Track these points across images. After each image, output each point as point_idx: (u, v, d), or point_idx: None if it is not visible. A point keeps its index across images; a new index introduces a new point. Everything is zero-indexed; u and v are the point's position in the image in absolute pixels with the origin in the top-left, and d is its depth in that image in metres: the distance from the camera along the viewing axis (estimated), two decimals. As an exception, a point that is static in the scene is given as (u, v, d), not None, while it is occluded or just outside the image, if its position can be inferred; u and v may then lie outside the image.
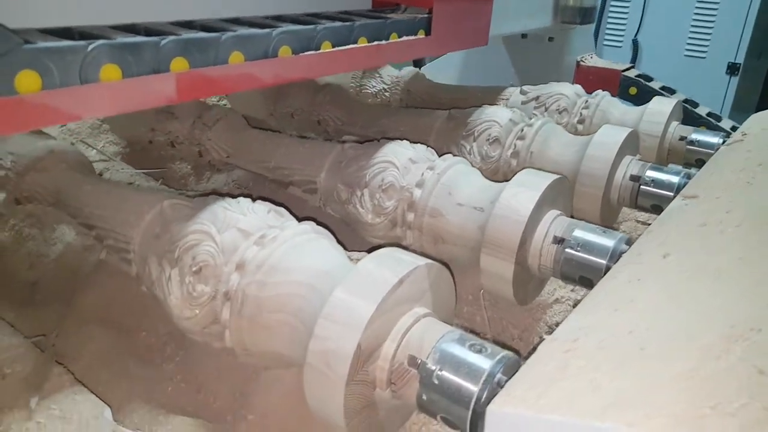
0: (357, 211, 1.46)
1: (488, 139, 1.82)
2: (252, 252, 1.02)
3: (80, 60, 0.84)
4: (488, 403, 0.82)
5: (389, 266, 0.92)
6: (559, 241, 1.28)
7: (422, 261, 0.94)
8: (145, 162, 2.07)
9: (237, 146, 1.79)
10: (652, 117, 2.07)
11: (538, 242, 1.30)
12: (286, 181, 1.65)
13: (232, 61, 1.03)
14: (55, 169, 1.45)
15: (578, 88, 2.33)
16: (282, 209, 1.15)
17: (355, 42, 1.30)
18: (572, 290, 1.63)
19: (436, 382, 0.86)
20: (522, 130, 1.82)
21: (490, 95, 2.35)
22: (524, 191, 1.28)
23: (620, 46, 4.00)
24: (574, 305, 1.59)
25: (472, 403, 0.83)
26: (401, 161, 1.45)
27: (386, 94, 2.67)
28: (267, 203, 1.15)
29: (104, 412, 1.06)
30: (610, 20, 3.95)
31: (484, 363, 0.85)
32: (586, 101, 2.25)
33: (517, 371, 0.80)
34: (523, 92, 2.35)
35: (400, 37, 1.42)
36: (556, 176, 1.34)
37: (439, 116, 2.00)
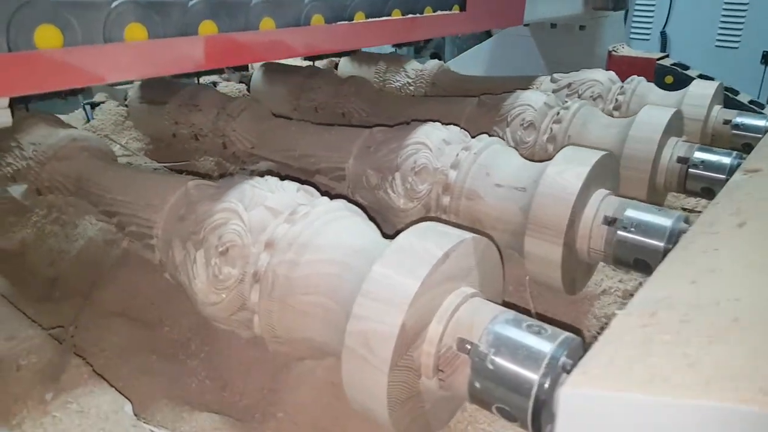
0: (388, 197, 1.38)
1: (522, 124, 1.74)
2: (282, 230, 0.95)
3: (104, 17, 0.77)
4: (552, 390, 0.73)
5: (433, 239, 0.83)
6: (611, 221, 1.19)
7: (468, 234, 0.86)
8: (169, 157, 2.01)
9: (262, 136, 1.72)
10: (694, 100, 1.97)
11: (587, 223, 1.20)
12: (312, 169, 1.58)
13: (262, 28, 0.96)
14: (77, 157, 1.39)
15: (612, 74, 2.24)
16: (311, 188, 1.07)
17: (389, 14, 1.23)
18: (620, 281, 1.53)
19: (491, 367, 0.77)
20: (558, 113, 1.73)
21: (520, 84, 2.25)
22: (571, 167, 1.19)
23: (648, 39, 3.89)
24: (624, 297, 1.49)
25: (534, 391, 0.74)
26: (434, 142, 1.37)
27: (410, 88, 2.59)
28: (295, 182, 1.07)
29: (124, 407, 0.99)
30: (636, 13, 3.84)
31: (544, 345, 0.76)
32: (622, 87, 2.15)
33: (582, 354, 0.71)
34: (554, 80, 2.27)
35: (434, 11, 1.35)
36: (603, 152, 1.25)
37: (470, 103, 1.91)
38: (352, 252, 0.90)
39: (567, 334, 0.79)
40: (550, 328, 0.80)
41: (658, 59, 2.63)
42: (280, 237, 0.94)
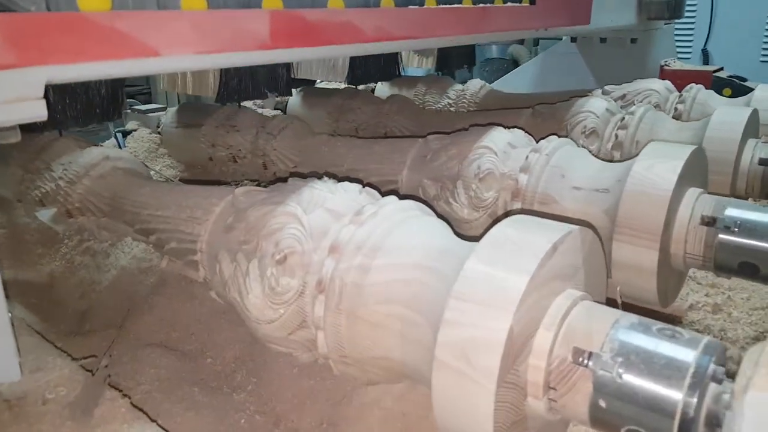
0: (450, 207, 1.26)
1: (584, 132, 1.61)
2: (348, 232, 0.82)
3: (160, -21, 0.67)
4: (701, 405, 0.59)
5: (536, 230, 0.70)
6: (710, 221, 1.04)
7: (573, 225, 0.72)
8: (205, 182, 1.92)
9: (305, 153, 1.61)
10: (762, 104, 1.82)
11: (682, 225, 1.06)
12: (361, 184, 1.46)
13: (330, 6, 0.86)
14: (111, 176, 1.29)
15: (668, 83, 2.11)
16: (373, 190, 0.95)
17: (460, 2, 1.13)
18: (706, 295, 1.37)
19: (620, 382, 0.62)
20: (623, 119, 1.60)
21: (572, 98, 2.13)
22: (663, 161, 1.05)
23: (689, 57, 3.77)
24: (714, 311, 1.33)
25: (679, 409, 0.59)
26: (499, 145, 1.24)
27: (452, 109, 2.49)
28: (355, 183, 0.95)
29: (169, 444, 0.85)
30: (677, 31, 3.74)
31: (686, 353, 0.62)
32: (680, 95, 2.02)
33: (724, 361, 0.57)
34: (605, 92, 2.14)
35: (505, 2, 1.25)
36: (692, 146, 1.11)
37: (523, 114, 1.79)
38: (434, 253, 0.77)
39: (708, 337, 0.64)
40: (686, 332, 0.65)
41: (714, 72, 2.49)
42: (346, 240, 0.81)
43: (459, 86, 2.53)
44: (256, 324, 0.87)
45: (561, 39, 3.20)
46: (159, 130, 2.07)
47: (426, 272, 0.75)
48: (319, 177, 0.93)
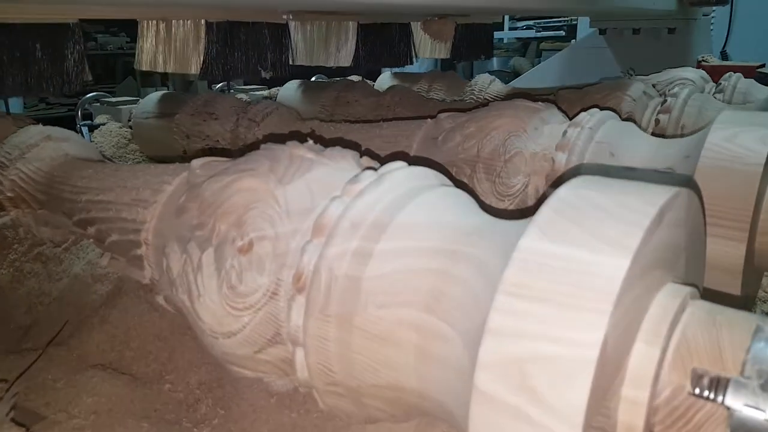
0: (468, 197, 1.01)
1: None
2: (340, 204, 0.58)
3: None
4: None
5: (624, 190, 0.46)
6: (810, 207, 0.80)
7: (675, 187, 0.48)
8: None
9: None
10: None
11: (770, 211, 0.82)
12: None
13: None
14: (52, 159, 1.04)
15: (702, 72, 1.89)
16: (375, 161, 0.71)
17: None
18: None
19: (779, 424, 0.38)
20: (664, 101, 1.37)
21: (597, 89, 1.91)
22: (747, 130, 0.82)
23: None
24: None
25: None
26: (528, 120, 1.01)
27: (459, 105, 2.26)
28: (352, 150, 0.71)
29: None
30: (694, 33, 3.54)
31: None
32: (719, 84, 1.80)
33: None
34: (633, 82, 1.91)
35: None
36: (779, 114, 0.88)
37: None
38: (465, 233, 0.53)
39: None
40: None
41: (758, 67, 2.27)
42: (337, 216, 0.57)
43: (465, 81, 2.31)
44: (212, 338, 0.62)
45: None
46: (130, 123, 1.83)
47: (455, 259, 0.51)
48: (304, 139, 0.69)
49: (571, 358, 0.38)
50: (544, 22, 4.13)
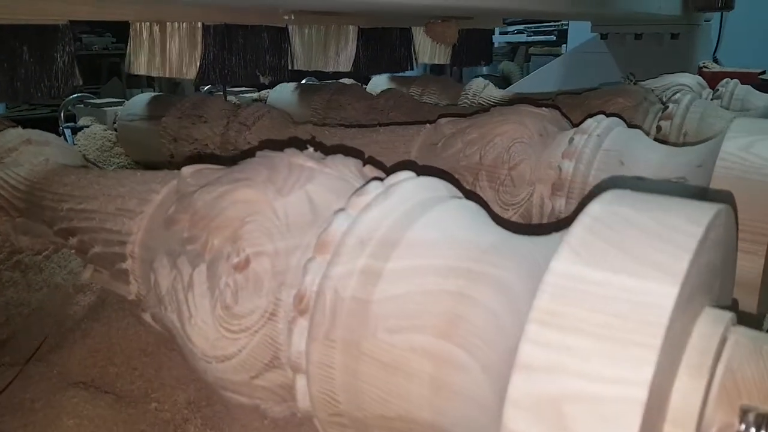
0: (470, 206, 0.97)
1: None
2: (346, 219, 0.53)
3: None
4: None
5: (665, 208, 0.42)
6: (831, 219, 0.77)
7: (714, 204, 0.44)
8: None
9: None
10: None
11: (792, 223, 0.79)
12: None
13: None
14: (32, 164, 0.99)
15: (699, 78, 1.87)
16: (379, 170, 0.67)
17: None
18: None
19: None
20: (666, 108, 1.34)
21: (594, 94, 1.88)
22: (763, 139, 0.78)
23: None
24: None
25: None
26: (532, 127, 0.97)
27: (452, 110, 2.22)
28: (354, 158, 0.66)
29: None
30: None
31: None
32: (716, 91, 1.77)
33: None
34: (630, 89, 1.89)
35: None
36: (798, 122, 0.84)
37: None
38: (477, 252, 0.48)
39: None
40: None
41: (760, 74, 2.25)
42: (342, 231, 0.52)
43: (459, 86, 2.27)
44: (205, 362, 0.57)
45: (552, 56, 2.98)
46: (115, 126, 1.77)
47: (472, 280, 0.46)
48: (303, 146, 0.65)
49: (616, 398, 0.34)
50: (535, 27, 4.11)
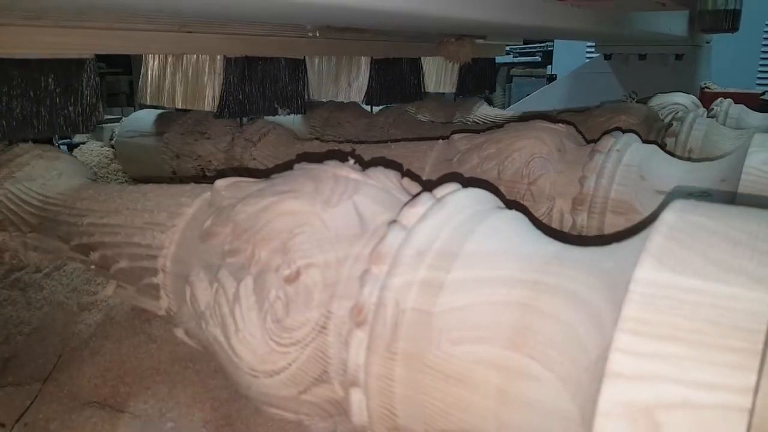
0: (488, 222, 0.97)
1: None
2: (401, 230, 0.53)
3: None
4: None
5: (738, 216, 0.42)
6: None
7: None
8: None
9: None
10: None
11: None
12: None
13: None
14: (44, 179, 0.97)
15: (693, 97, 1.90)
16: (416, 183, 0.66)
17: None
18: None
19: None
20: (670, 125, 1.37)
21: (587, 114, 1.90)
22: (789, 154, 0.80)
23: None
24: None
25: None
26: (550, 142, 0.98)
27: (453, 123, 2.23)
28: (393, 170, 0.66)
29: None
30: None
31: None
32: (711, 110, 1.81)
33: None
34: (624, 108, 1.91)
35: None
36: (817, 138, 0.86)
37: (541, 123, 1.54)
38: (540, 263, 0.48)
39: None
40: None
41: (761, 95, 2.30)
42: (399, 243, 0.52)
43: (453, 105, 2.29)
44: (251, 376, 0.56)
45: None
46: (112, 142, 1.75)
47: (538, 291, 0.46)
48: (344, 158, 0.64)
49: (717, 405, 0.33)
50: (520, 48, 4.16)
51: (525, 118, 1.94)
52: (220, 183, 0.68)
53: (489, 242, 0.51)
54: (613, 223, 0.89)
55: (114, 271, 0.77)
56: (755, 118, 1.75)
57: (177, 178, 1.51)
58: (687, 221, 0.41)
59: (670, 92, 1.87)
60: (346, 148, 1.27)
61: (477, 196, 0.57)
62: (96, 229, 0.80)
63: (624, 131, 1.02)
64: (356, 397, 0.51)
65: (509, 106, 4.28)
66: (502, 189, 0.97)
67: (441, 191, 0.57)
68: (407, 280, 0.50)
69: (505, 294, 0.47)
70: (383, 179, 0.62)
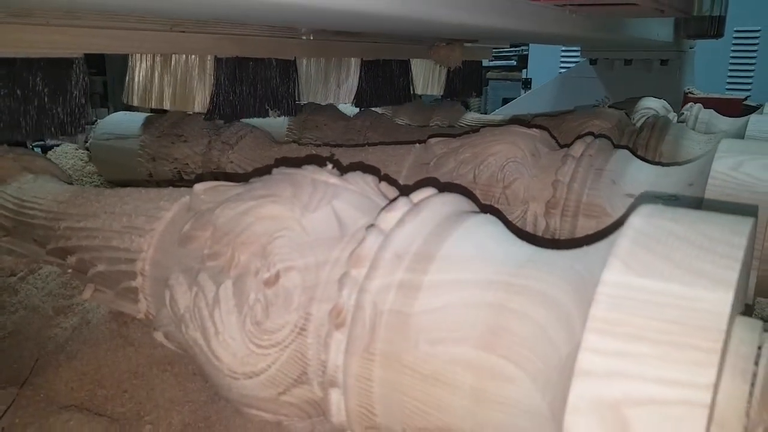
0: (464, 224, 0.99)
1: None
2: (379, 234, 0.54)
3: None
4: None
5: (704, 220, 0.44)
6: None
7: (743, 217, 0.47)
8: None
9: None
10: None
11: None
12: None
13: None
14: (19, 182, 0.96)
15: (664, 102, 1.95)
16: (393, 187, 0.68)
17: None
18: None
19: None
20: (641, 130, 1.40)
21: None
22: (751, 159, 0.83)
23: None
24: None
25: None
26: (524, 146, 1.00)
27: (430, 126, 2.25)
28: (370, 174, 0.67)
29: None
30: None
31: None
32: (681, 114, 1.85)
33: None
34: (598, 112, 1.95)
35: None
36: (776, 143, 0.89)
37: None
38: (513, 266, 0.50)
39: None
40: None
41: (743, 100, 2.34)
42: (377, 246, 0.53)
43: (429, 108, 2.31)
44: (231, 378, 0.57)
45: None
46: (87, 145, 1.74)
47: (511, 292, 0.48)
48: (322, 163, 0.65)
49: (679, 401, 0.35)
50: (497, 51, 4.20)
51: (501, 124, 1.96)
52: (199, 187, 0.69)
53: (464, 246, 0.52)
54: (585, 226, 0.91)
55: (92, 274, 0.77)
56: (724, 122, 1.79)
57: (153, 181, 1.51)
58: (653, 226, 0.43)
59: (641, 97, 1.91)
60: (324, 152, 1.27)
61: (453, 200, 0.59)
62: (73, 233, 0.80)
63: (596, 136, 1.04)
64: (335, 397, 0.52)
65: (485, 108, 4.32)
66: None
67: (418, 196, 0.58)
68: (385, 283, 0.51)
69: (479, 296, 0.49)
70: (362, 184, 0.63)
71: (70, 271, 0.84)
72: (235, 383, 0.57)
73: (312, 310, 0.55)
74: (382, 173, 1.13)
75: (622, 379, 0.37)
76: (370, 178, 0.65)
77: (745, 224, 0.42)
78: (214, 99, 1.23)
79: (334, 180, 0.61)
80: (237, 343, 0.55)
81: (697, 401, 0.35)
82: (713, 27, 2.06)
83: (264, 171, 0.72)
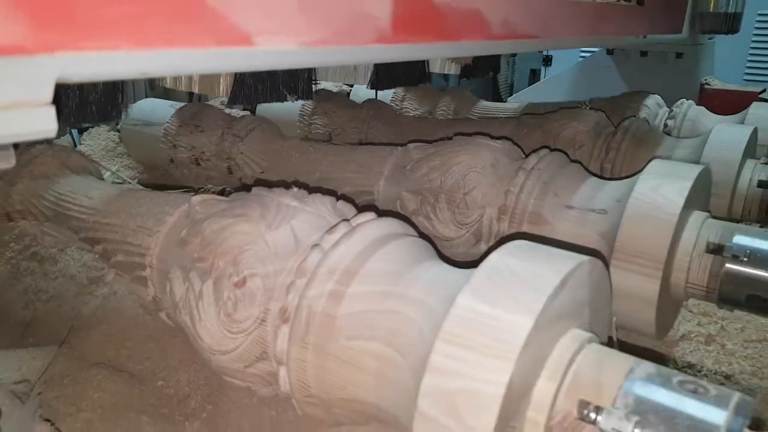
0: (430, 224, 1.15)
1: (573, 146, 1.52)
2: (319, 252, 0.71)
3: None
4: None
5: (540, 260, 0.60)
6: (716, 249, 0.95)
7: (581, 255, 0.62)
8: (166, 186, 1.78)
9: (274, 158, 1.50)
10: (763, 123, 1.73)
11: (686, 251, 0.97)
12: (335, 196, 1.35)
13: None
14: (56, 175, 1.15)
15: (657, 98, 2.04)
16: (349, 204, 0.84)
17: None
18: (698, 324, 1.29)
19: (636, 444, 0.52)
20: (615, 133, 1.52)
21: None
22: (669, 182, 0.96)
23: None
24: (707, 342, 1.25)
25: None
26: (486, 158, 1.14)
27: (428, 117, 2.38)
28: (329, 195, 0.84)
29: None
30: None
31: (715, 414, 0.52)
32: (671, 110, 1.95)
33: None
34: (594, 104, 2.06)
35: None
36: (699, 166, 1.02)
37: (509, 123, 1.71)
38: (420, 282, 0.67)
39: (739, 394, 0.55)
40: (711, 386, 0.56)
41: (760, 93, 2.39)
42: (316, 262, 0.70)
43: (439, 93, 2.42)
44: (210, 354, 0.75)
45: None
46: (118, 127, 1.93)
47: (410, 304, 0.64)
48: (288, 186, 0.82)
49: (485, 393, 0.52)
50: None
51: (496, 118, 2.08)
52: (195, 199, 0.86)
53: (381, 264, 0.69)
54: (530, 232, 1.07)
55: (113, 262, 0.96)
56: (711, 120, 1.89)
57: (174, 165, 1.69)
58: (502, 263, 0.59)
59: (639, 91, 2.00)
60: (321, 148, 1.43)
61: (385, 225, 0.75)
62: (100, 226, 0.99)
63: (552, 150, 1.18)
64: (282, 373, 0.70)
65: (512, 79, 4.36)
66: (443, 197, 1.14)
67: (357, 220, 0.75)
68: (320, 291, 0.68)
69: (384, 303, 0.65)
70: (318, 206, 0.79)
71: (97, 255, 1.03)
72: (213, 357, 0.75)
73: (270, 307, 0.72)
74: (367, 172, 1.30)
75: (456, 376, 0.54)
76: (327, 200, 0.81)
77: (568, 264, 0.58)
78: (236, 83, 1.32)
79: (294, 203, 0.78)
80: (214, 329, 0.74)
81: (496, 394, 0.51)
82: (727, 24, 2.10)
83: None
